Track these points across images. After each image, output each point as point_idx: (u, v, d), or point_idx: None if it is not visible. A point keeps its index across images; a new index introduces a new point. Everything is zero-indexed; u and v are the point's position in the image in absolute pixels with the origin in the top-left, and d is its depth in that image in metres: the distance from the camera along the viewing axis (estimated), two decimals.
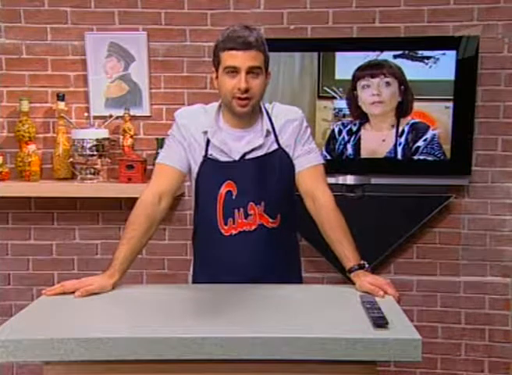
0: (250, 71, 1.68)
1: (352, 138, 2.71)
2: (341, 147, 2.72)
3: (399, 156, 2.70)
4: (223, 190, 1.76)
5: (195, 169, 1.80)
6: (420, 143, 2.68)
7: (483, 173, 2.78)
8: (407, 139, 2.68)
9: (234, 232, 1.77)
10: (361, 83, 2.68)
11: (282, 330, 1.34)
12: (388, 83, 2.66)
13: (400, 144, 2.69)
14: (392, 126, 2.69)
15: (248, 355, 1.30)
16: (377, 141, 2.71)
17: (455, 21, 2.71)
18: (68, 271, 2.91)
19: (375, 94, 2.67)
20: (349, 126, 2.71)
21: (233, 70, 1.68)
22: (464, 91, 2.65)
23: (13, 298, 2.92)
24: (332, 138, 2.73)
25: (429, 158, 2.69)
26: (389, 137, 2.70)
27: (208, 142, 1.78)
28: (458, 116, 2.66)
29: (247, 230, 1.77)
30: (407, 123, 2.68)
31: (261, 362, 1.32)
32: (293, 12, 2.78)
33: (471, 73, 2.64)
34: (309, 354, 1.29)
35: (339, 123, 2.71)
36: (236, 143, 1.78)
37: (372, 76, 2.66)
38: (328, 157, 2.72)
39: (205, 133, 1.78)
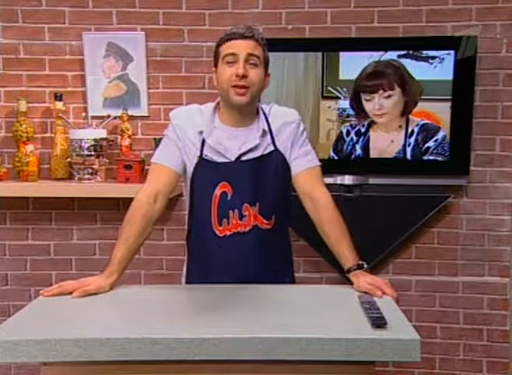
0: (249, 59, 1.70)
1: (361, 139, 2.71)
2: (349, 148, 2.72)
3: (408, 156, 2.69)
4: (218, 191, 1.76)
5: (190, 169, 1.79)
6: (430, 143, 2.67)
7: (481, 173, 2.78)
8: (416, 140, 2.68)
9: (228, 233, 1.77)
10: (364, 96, 2.68)
11: (281, 330, 1.34)
12: (388, 96, 2.66)
13: (409, 144, 2.69)
14: (400, 126, 2.69)
15: (246, 356, 1.30)
16: (386, 141, 2.71)
17: (453, 21, 2.71)
18: (66, 271, 2.91)
19: (377, 109, 2.68)
20: (357, 128, 2.71)
21: (232, 59, 1.70)
22: (462, 91, 2.65)
23: (11, 298, 2.91)
24: (340, 139, 2.73)
25: (439, 159, 2.68)
26: (397, 138, 2.70)
27: (203, 142, 1.77)
28: (457, 116, 2.66)
29: (241, 231, 1.76)
30: (417, 124, 2.68)
31: (260, 362, 1.31)
32: (291, 12, 2.77)
33: (469, 73, 2.64)
34: (307, 354, 1.29)
35: (348, 124, 2.71)
36: (232, 142, 1.77)
37: (371, 92, 2.66)
38: (336, 157, 2.73)
39: (200, 133, 1.78)
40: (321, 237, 1.77)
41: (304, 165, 1.81)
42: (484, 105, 2.74)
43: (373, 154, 2.73)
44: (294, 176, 1.82)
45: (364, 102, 2.69)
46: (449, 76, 2.64)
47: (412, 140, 2.69)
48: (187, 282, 1.89)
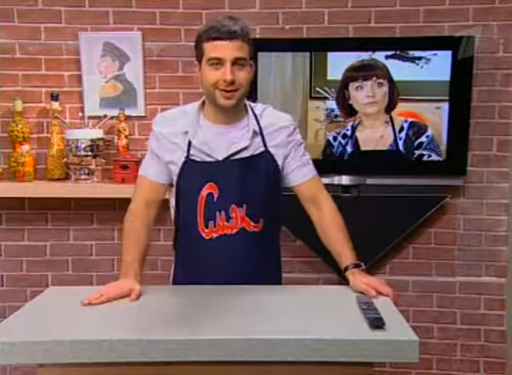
0: (236, 62, 1.64)
1: (349, 141, 2.71)
2: (340, 149, 2.72)
3: (401, 148, 2.70)
4: (204, 192, 1.72)
5: (176, 171, 1.75)
6: (423, 139, 2.68)
7: (478, 173, 2.79)
8: (407, 134, 2.69)
9: (215, 235, 1.73)
10: (354, 84, 2.68)
11: (278, 331, 1.33)
12: (380, 84, 2.68)
13: (400, 138, 2.70)
14: (387, 122, 2.70)
15: (244, 357, 1.29)
16: (374, 137, 2.71)
17: (450, 21, 2.71)
18: (62, 272, 2.90)
19: (370, 96, 2.68)
20: (342, 132, 2.71)
21: (218, 62, 1.65)
22: (459, 92, 2.65)
23: (7, 299, 2.89)
24: (328, 145, 2.73)
25: (432, 155, 2.69)
26: (386, 133, 2.70)
27: (189, 143, 1.73)
28: (454, 116, 2.66)
29: (228, 233, 1.73)
30: (406, 121, 2.69)
31: (257, 363, 1.31)
32: (288, 12, 2.77)
33: (466, 73, 2.64)
34: (305, 355, 1.29)
35: (333, 132, 2.72)
36: (219, 141, 1.73)
37: (365, 79, 2.67)
38: (326, 160, 2.73)
39: (186, 133, 1.74)
40: (322, 237, 1.78)
41: (308, 174, 1.81)
42: (481, 105, 2.74)
43: (364, 147, 2.73)
44: (298, 186, 1.81)
45: (354, 93, 2.68)
46: (446, 77, 2.64)
47: (403, 134, 2.70)
48: (174, 283, 1.87)
